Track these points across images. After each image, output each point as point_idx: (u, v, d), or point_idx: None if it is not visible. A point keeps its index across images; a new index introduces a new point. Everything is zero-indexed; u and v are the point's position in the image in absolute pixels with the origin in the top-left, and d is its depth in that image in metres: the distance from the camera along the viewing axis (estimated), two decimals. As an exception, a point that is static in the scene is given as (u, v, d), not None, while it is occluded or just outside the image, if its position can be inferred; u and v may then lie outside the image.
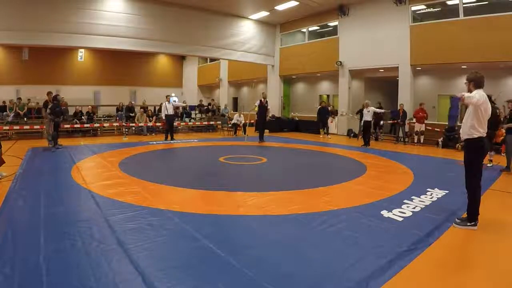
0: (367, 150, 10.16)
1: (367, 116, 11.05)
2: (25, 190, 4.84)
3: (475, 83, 3.56)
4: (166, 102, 11.88)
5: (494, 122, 6.02)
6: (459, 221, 3.64)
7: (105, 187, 5.06)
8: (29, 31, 11.15)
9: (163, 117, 12.02)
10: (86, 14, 12.03)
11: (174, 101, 19.96)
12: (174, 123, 15.42)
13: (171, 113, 11.79)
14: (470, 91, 3.57)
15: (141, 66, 22.22)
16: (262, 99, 11.38)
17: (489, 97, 6.30)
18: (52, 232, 3.27)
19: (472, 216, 3.56)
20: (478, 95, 3.42)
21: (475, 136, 3.52)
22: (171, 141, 11.44)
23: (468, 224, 3.56)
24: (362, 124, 11.51)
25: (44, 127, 10.22)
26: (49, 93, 9.87)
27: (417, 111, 11.65)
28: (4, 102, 13.53)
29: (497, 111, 6.99)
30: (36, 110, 13.63)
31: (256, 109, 10.96)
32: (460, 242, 3.29)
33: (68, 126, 12.99)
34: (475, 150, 3.56)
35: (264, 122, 11.87)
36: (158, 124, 14.41)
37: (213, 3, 14.26)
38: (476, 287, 2.52)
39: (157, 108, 15.79)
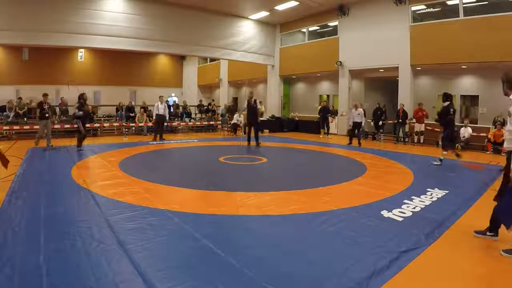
0: (354, 148, 10.42)
1: (357, 118, 11.18)
2: (25, 190, 4.84)
3: (509, 84, 3.19)
4: (159, 102, 11.83)
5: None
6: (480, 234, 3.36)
7: (105, 187, 5.06)
8: (29, 31, 11.14)
9: (154, 117, 12.01)
10: (86, 14, 12.02)
11: (174, 101, 19.99)
12: (174, 123, 15.50)
13: (162, 113, 11.72)
14: (506, 92, 3.23)
15: (141, 66, 22.19)
16: (250, 99, 10.36)
17: None
18: (52, 232, 3.27)
19: (496, 227, 3.28)
20: None
21: None
22: (160, 142, 11.34)
23: (488, 234, 3.30)
24: (351, 124, 11.66)
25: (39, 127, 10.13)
26: (44, 95, 9.87)
27: (416, 111, 11.68)
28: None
29: None
30: (36, 110, 13.60)
31: (245, 112, 10.55)
32: (460, 242, 3.28)
33: (68, 126, 12.99)
34: None
35: (256, 124, 10.52)
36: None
37: (213, 3, 14.26)
38: (476, 287, 2.53)
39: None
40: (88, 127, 13.29)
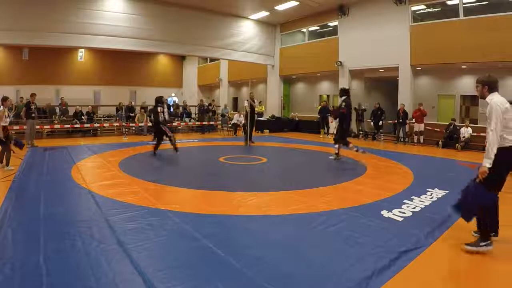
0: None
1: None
2: (25, 190, 4.85)
3: (489, 86, 3.14)
4: None
5: None
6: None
7: (105, 187, 5.06)
8: (29, 31, 11.14)
9: (152, 117, 11.96)
10: (86, 14, 12.02)
11: (174, 101, 19.99)
12: (174, 123, 15.47)
13: None
14: (483, 94, 3.19)
15: (141, 66, 22.20)
16: (249, 99, 10.80)
17: None
18: (52, 232, 3.27)
19: (495, 227, 3.18)
20: (495, 112, 2.96)
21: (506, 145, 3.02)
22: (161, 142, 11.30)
23: (482, 244, 3.07)
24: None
25: (26, 127, 10.12)
26: (32, 95, 9.91)
27: (415, 111, 11.75)
28: None
29: None
30: (40, 110, 13.58)
31: (248, 109, 10.77)
32: (460, 243, 3.28)
33: (68, 126, 12.99)
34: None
35: (253, 123, 11.35)
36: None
37: (213, 3, 14.26)
38: (477, 285, 2.53)
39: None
40: (88, 127, 13.32)
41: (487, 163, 2.99)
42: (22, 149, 7.16)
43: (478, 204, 3.08)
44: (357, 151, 7.76)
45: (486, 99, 3.14)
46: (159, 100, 8.43)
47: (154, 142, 10.95)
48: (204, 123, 15.70)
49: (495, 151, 2.97)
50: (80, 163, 7.06)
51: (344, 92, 7.90)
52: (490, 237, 3.05)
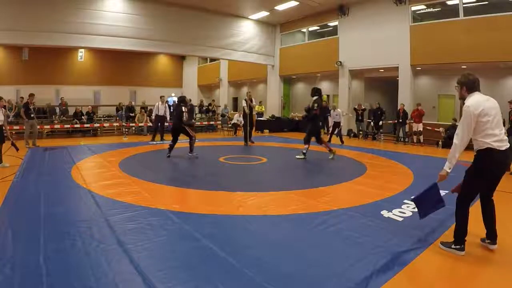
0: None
1: (336, 118, 11.81)
2: (25, 190, 4.85)
3: (467, 87, 3.02)
4: (159, 102, 11.78)
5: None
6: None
7: (105, 187, 5.06)
8: (29, 31, 11.15)
9: (153, 117, 11.97)
10: (86, 14, 12.03)
11: (174, 101, 19.98)
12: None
13: (162, 114, 11.62)
14: (462, 95, 3.09)
15: (141, 66, 22.22)
16: (247, 99, 10.80)
17: None
18: (52, 232, 3.26)
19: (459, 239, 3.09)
20: (466, 117, 2.89)
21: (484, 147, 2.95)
22: (160, 142, 11.30)
23: (453, 246, 3.06)
24: (332, 124, 12.17)
25: (24, 127, 10.13)
26: (30, 95, 9.99)
27: (414, 111, 11.79)
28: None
29: None
30: (40, 110, 13.58)
31: (247, 110, 10.76)
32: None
33: (68, 126, 13.00)
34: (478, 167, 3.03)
35: (252, 123, 11.44)
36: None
37: (213, 3, 14.27)
38: (476, 286, 2.53)
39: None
40: (88, 127, 13.33)
41: (447, 168, 3.07)
42: (17, 152, 7.21)
43: (435, 205, 3.22)
44: (304, 154, 7.95)
45: (465, 100, 3.05)
46: (183, 100, 8.34)
47: (154, 143, 11.00)
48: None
49: (457, 156, 2.99)
50: (80, 163, 7.06)
51: (316, 92, 7.92)
52: (464, 244, 2.98)
